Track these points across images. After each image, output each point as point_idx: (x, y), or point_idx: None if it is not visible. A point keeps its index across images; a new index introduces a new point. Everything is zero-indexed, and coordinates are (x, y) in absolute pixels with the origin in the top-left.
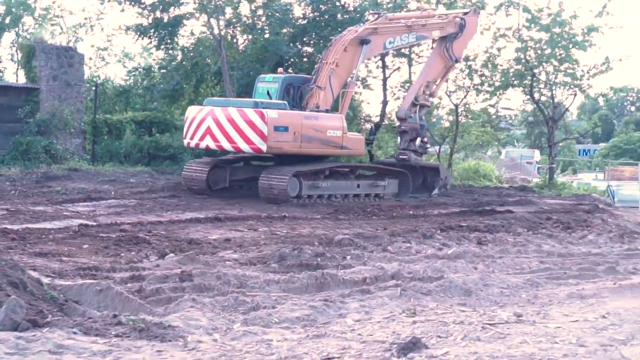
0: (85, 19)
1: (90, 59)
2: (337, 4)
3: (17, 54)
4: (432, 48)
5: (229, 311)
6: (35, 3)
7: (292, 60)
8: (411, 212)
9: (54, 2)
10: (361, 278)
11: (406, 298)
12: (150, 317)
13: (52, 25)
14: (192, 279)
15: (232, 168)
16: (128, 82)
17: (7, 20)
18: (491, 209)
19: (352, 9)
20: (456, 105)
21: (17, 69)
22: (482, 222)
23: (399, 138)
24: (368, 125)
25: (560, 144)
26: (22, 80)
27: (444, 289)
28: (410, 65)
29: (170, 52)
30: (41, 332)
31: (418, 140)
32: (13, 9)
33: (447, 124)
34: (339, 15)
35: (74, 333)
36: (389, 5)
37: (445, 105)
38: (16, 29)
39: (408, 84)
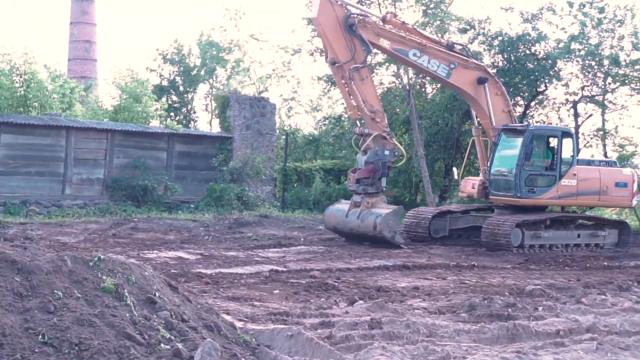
0: (274, 70)
1: (280, 108)
2: (527, 52)
3: (211, 104)
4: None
5: None
6: (228, 55)
7: None
8: (605, 264)
9: (244, 55)
10: (554, 330)
11: (603, 352)
12: None
13: (242, 76)
14: (381, 326)
15: (451, 217)
16: (317, 131)
17: (202, 72)
18: None
19: (542, 56)
20: None
21: (211, 118)
22: None
23: None
24: None
25: None
26: (215, 129)
27: None
28: (603, 112)
29: None
30: None
31: None
32: (207, 61)
33: None
34: (529, 64)
35: None
36: (580, 53)
37: None
38: (210, 81)
39: (601, 132)
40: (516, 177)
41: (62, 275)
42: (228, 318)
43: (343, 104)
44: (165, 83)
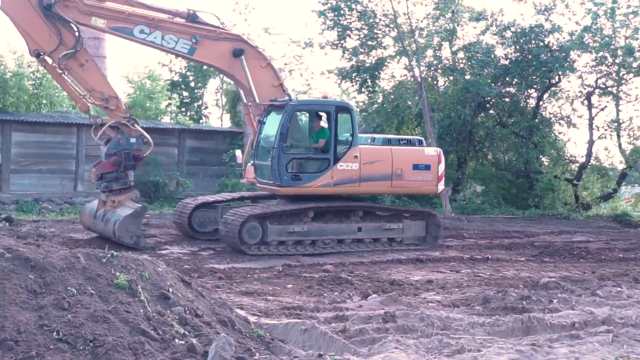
0: (286, 64)
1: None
2: (541, 44)
3: (222, 99)
4: None
5: (433, 353)
6: None
7: (493, 100)
8: (621, 256)
9: None
10: (569, 322)
11: (618, 344)
12: (354, 357)
13: None
14: (395, 320)
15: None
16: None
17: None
18: None
19: (556, 48)
20: None
21: (222, 113)
22: None
23: None
24: (573, 166)
25: None
26: (226, 124)
27: None
28: (617, 104)
29: (371, 94)
30: None
31: None
32: None
33: None
34: (542, 55)
35: None
36: (594, 45)
37: None
38: (221, 76)
39: (615, 123)
40: (274, 161)
41: (75, 272)
42: (242, 313)
43: (355, 97)
44: (176, 78)
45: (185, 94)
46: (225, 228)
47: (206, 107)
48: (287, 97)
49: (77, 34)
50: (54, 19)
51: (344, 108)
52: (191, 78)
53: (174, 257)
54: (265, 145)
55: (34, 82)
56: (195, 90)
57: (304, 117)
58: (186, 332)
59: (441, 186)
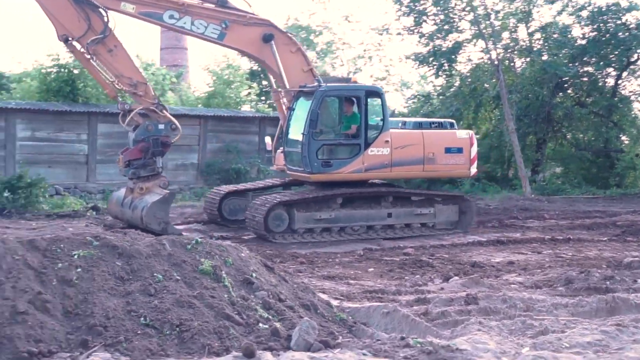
0: (365, 50)
1: None
2: (618, 22)
3: None
4: None
5: (516, 335)
6: (317, 38)
7: (571, 80)
8: None
9: (334, 37)
10: None
11: None
12: (437, 340)
13: (332, 58)
14: (477, 302)
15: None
16: (407, 109)
17: None
18: None
19: (634, 26)
20: None
21: None
22: None
23: None
24: None
25: None
26: None
27: None
28: None
29: (449, 78)
30: (333, 353)
31: None
32: None
33: None
34: (620, 34)
35: (364, 354)
36: None
37: None
38: None
39: None
40: (303, 148)
41: (161, 258)
42: (324, 297)
43: (432, 81)
44: (255, 67)
45: (264, 82)
46: (251, 216)
47: None
48: (316, 83)
49: (106, 19)
50: (83, 3)
51: (374, 92)
52: None
53: (255, 243)
54: (295, 131)
55: None
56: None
57: (334, 103)
58: (270, 317)
59: (474, 169)
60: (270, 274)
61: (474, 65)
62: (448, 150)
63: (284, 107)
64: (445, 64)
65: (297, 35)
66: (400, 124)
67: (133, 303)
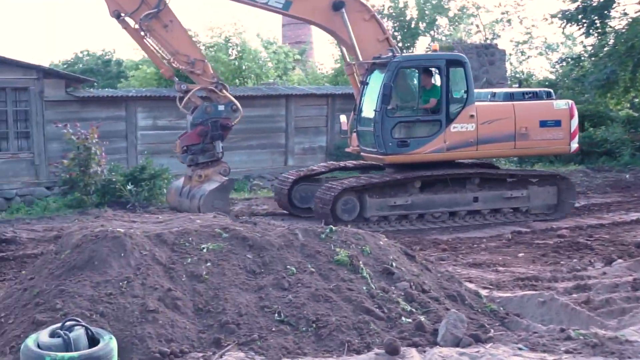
0: (503, 13)
1: (510, 54)
2: None
3: None
4: None
5: None
6: (449, 3)
7: None
8: None
9: (468, 1)
10: None
11: None
12: (602, 331)
13: (467, 25)
14: None
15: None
16: (554, 75)
17: (422, 26)
18: None
19: None
20: None
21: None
22: None
23: None
24: None
25: None
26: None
27: None
28: None
29: (601, 37)
30: (484, 348)
31: None
32: (427, 12)
33: None
34: None
35: (519, 349)
36: None
37: None
38: (431, 32)
39: None
40: (377, 126)
41: (294, 249)
42: (471, 286)
43: (582, 42)
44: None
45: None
46: (318, 203)
47: None
48: (390, 54)
49: None
50: None
51: (457, 61)
52: (399, 38)
53: (392, 230)
54: (368, 108)
55: (235, 56)
56: (404, 51)
57: (411, 75)
58: (413, 309)
59: (575, 144)
60: (412, 262)
61: (631, 20)
62: (543, 123)
63: (357, 82)
64: (597, 21)
65: (428, 2)
66: (489, 96)
67: (266, 298)
